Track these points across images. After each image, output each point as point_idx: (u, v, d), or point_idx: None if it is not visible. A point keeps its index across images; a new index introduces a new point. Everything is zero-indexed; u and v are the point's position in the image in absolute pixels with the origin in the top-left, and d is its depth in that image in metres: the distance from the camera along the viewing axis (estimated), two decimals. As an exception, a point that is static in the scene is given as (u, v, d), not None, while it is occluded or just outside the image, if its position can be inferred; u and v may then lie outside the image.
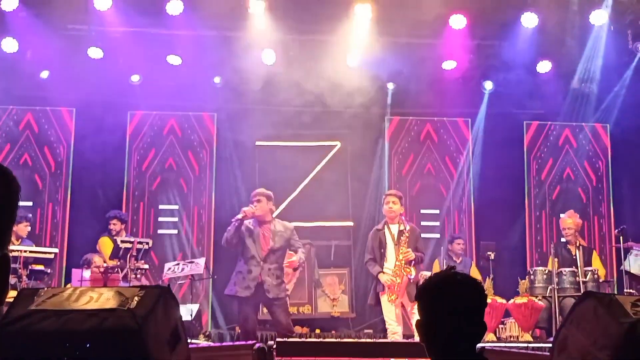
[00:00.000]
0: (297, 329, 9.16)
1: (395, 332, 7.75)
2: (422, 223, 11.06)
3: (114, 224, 9.96)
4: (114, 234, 9.79)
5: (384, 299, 7.89)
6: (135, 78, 11.01)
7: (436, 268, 10.13)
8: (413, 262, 7.92)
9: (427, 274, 8.93)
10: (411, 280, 7.82)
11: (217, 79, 11.06)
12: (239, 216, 8.09)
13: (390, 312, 7.85)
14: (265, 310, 8.97)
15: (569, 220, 9.89)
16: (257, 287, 8.00)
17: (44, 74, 10.57)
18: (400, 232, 8.01)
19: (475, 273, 10.46)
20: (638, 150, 11.65)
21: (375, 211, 11.63)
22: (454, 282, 2.70)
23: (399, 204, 8.16)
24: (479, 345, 2.79)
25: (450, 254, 10.47)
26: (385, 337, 9.93)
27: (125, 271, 8.64)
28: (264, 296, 8.07)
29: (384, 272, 7.94)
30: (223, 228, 11.43)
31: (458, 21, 10.10)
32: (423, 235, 8.98)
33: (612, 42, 10.38)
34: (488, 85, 11.39)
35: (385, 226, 8.17)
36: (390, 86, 11.38)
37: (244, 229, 8.14)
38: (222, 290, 11.15)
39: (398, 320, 7.87)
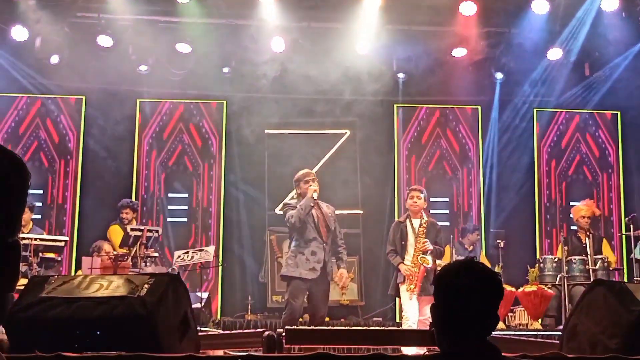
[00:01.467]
0: (306, 317, 9.15)
1: (408, 319, 7.76)
2: (432, 211, 11.05)
3: (126, 213, 9.98)
4: (125, 223, 9.82)
5: (402, 288, 7.95)
6: (144, 66, 11.00)
7: (447, 258, 10.12)
8: (430, 252, 7.97)
9: (442, 263, 8.92)
10: (428, 270, 7.85)
11: (226, 68, 11.05)
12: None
13: (408, 301, 7.88)
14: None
15: (586, 209, 9.84)
16: (322, 269, 7.77)
17: (54, 59, 10.57)
18: (421, 225, 8.09)
19: (483, 261, 10.46)
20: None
21: (384, 199, 11.64)
22: (473, 271, 2.71)
23: (422, 199, 8.19)
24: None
25: (463, 241, 10.47)
26: (395, 325, 9.98)
27: (134, 258, 8.67)
28: (324, 279, 7.82)
29: (404, 264, 8.00)
30: (232, 216, 11.55)
31: (468, 8, 10.05)
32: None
33: (624, 29, 10.32)
34: (499, 74, 11.35)
35: (407, 219, 8.22)
36: (401, 75, 11.33)
37: None
38: (231, 278, 11.27)
39: (415, 310, 7.87)
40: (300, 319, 8.30)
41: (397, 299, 9.06)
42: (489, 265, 10.25)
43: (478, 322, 2.65)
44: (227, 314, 10.99)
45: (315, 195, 7.83)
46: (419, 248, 7.93)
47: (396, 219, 11.45)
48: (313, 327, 6.45)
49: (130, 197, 10.94)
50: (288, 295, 7.88)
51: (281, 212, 11.16)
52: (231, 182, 11.63)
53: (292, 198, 8.61)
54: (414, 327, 7.62)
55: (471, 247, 10.42)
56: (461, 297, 2.65)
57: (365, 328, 6.90)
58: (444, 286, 2.72)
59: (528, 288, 9.35)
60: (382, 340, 5.91)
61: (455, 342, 2.66)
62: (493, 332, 2.74)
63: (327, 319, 9.47)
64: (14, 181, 2.21)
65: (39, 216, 10.59)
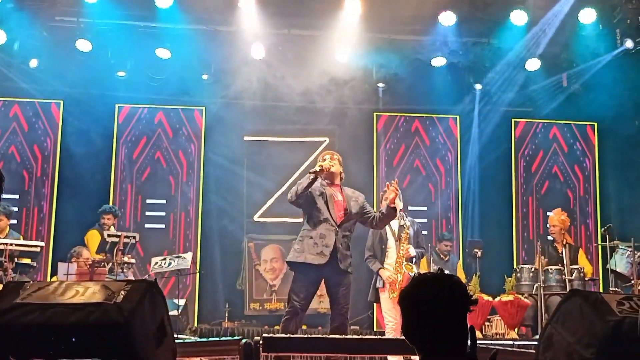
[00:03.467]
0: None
1: (394, 329, 7.63)
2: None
3: (107, 219, 9.90)
4: (106, 229, 9.75)
5: (384, 295, 7.75)
6: (123, 71, 10.95)
7: (423, 265, 10.11)
8: (414, 258, 7.77)
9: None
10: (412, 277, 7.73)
11: (205, 74, 11.03)
12: (316, 169, 6.92)
13: (390, 309, 7.73)
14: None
15: (555, 218, 9.92)
16: (331, 254, 6.84)
17: (33, 63, 10.51)
18: (401, 228, 7.84)
19: (460, 271, 10.48)
20: (625, 149, 11.71)
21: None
22: (434, 284, 2.75)
23: (399, 199, 7.78)
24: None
25: (438, 251, 10.47)
26: (372, 333, 9.96)
27: (110, 265, 8.60)
28: (336, 267, 6.86)
29: (384, 268, 7.78)
30: (210, 223, 11.51)
31: (448, 18, 10.10)
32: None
33: (601, 40, 10.42)
34: (477, 84, 11.42)
35: None
36: (380, 83, 11.37)
37: (315, 188, 6.98)
38: (208, 285, 11.21)
39: (398, 317, 7.77)
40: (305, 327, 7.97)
41: (375, 305, 8.98)
42: (463, 275, 10.30)
43: (447, 333, 2.70)
44: (204, 321, 10.94)
45: (317, 168, 6.94)
46: (402, 255, 7.73)
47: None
48: (290, 336, 6.40)
49: (108, 202, 10.88)
50: (290, 290, 7.05)
51: (260, 220, 11.14)
52: (209, 189, 11.58)
53: None
54: (398, 333, 7.53)
55: (447, 258, 10.41)
56: (426, 314, 2.70)
57: (342, 336, 6.87)
58: (408, 305, 2.75)
59: (505, 297, 9.38)
60: (360, 349, 5.91)
61: (434, 352, 2.68)
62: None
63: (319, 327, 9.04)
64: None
65: (14, 221, 10.48)
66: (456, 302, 2.71)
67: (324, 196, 6.99)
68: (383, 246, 7.91)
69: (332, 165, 7.07)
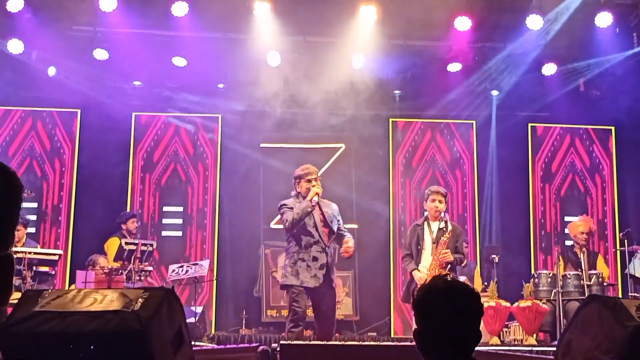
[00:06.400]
0: (309, 333, 9.03)
1: None
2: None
3: (132, 222, 10.02)
4: (134, 233, 9.87)
5: None
6: (140, 79, 11.00)
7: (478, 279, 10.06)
8: (450, 265, 7.55)
9: (463, 278, 8.66)
10: None
11: (221, 81, 11.06)
12: (316, 199, 7.25)
13: None
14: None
15: (587, 225, 9.81)
16: (325, 276, 7.19)
17: (50, 72, 10.58)
18: (441, 231, 7.66)
19: (477, 277, 10.44)
20: (643, 153, 11.66)
21: (379, 214, 11.63)
22: (448, 291, 2.74)
23: (444, 203, 7.80)
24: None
25: (455, 255, 10.43)
26: (390, 340, 9.94)
27: (128, 272, 8.64)
28: (329, 286, 7.27)
29: (418, 270, 7.61)
30: (226, 230, 11.53)
31: (463, 23, 10.08)
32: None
33: (618, 45, 10.36)
34: (494, 90, 11.40)
35: (425, 222, 7.81)
36: (396, 90, 11.37)
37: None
38: (225, 292, 11.23)
39: None
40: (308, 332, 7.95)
41: (392, 311, 8.93)
42: (480, 281, 10.26)
43: (459, 341, 2.70)
44: (221, 328, 10.96)
45: (315, 199, 7.24)
46: (439, 258, 7.52)
47: (391, 233, 11.48)
48: (308, 343, 6.41)
49: (125, 210, 10.92)
50: (289, 301, 7.28)
51: (276, 227, 11.16)
52: (226, 196, 11.61)
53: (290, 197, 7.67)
54: None
55: (465, 262, 10.35)
56: (439, 321, 2.69)
57: (359, 343, 6.86)
58: (421, 311, 2.74)
59: (523, 303, 9.32)
60: (377, 355, 5.90)
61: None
62: (488, 348, 2.77)
63: (306, 331, 9.14)
64: (4, 194, 2.20)
65: (32, 229, 10.55)
66: (468, 311, 2.71)
67: (312, 218, 7.26)
68: (419, 247, 7.73)
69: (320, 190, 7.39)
